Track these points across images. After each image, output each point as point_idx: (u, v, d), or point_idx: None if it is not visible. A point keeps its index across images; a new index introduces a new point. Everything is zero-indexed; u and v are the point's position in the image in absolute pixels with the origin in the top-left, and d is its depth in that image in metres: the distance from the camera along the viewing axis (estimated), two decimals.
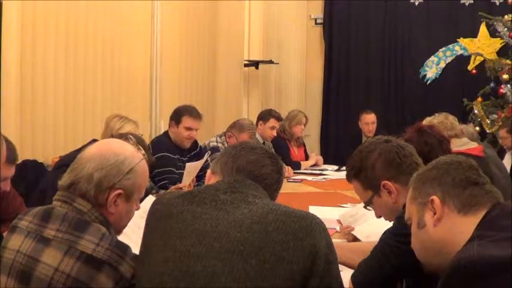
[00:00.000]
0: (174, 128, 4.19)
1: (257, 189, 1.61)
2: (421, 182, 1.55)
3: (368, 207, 2.10)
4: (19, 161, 3.39)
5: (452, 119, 3.61)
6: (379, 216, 2.10)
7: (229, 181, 1.62)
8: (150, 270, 1.48)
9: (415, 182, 1.57)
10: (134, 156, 1.67)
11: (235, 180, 1.62)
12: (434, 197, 1.48)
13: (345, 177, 2.19)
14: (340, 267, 2.20)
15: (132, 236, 2.04)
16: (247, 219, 1.47)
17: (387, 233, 1.95)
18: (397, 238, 1.86)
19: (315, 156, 5.83)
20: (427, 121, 3.55)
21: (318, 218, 1.53)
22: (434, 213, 1.48)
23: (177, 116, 4.19)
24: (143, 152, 1.73)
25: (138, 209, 1.72)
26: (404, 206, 1.68)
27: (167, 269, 1.45)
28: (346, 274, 2.06)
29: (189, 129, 4.16)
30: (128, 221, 1.72)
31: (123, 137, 2.48)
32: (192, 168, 3.72)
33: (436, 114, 3.68)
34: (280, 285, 1.40)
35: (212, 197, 1.55)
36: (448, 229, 1.45)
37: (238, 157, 1.69)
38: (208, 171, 1.77)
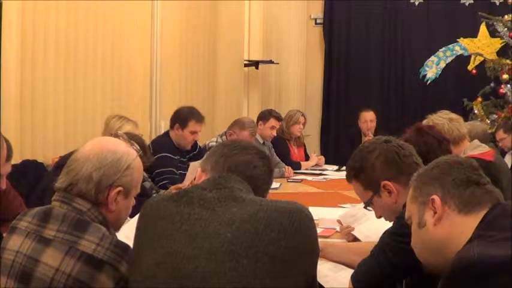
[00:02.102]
0: (179, 131, 4.20)
1: (241, 184, 1.59)
2: (422, 182, 1.55)
3: (368, 207, 2.10)
4: (19, 160, 3.42)
5: (455, 125, 3.33)
6: (379, 217, 2.10)
7: (214, 178, 1.60)
8: (141, 273, 1.47)
9: (416, 181, 1.57)
10: (130, 153, 1.68)
11: (220, 177, 1.60)
12: (434, 197, 1.48)
13: (345, 177, 2.19)
14: (340, 267, 2.21)
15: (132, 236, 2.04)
16: (237, 218, 1.45)
17: (387, 233, 1.95)
18: (397, 238, 1.86)
19: (316, 157, 5.81)
20: (430, 120, 3.42)
21: (307, 209, 1.54)
22: (435, 213, 1.48)
23: (182, 120, 4.19)
24: (136, 147, 1.74)
25: (133, 204, 1.73)
26: (404, 206, 1.68)
27: (158, 271, 1.44)
28: (346, 274, 2.07)
29: (194, 133, 4.18)
30: (126, 217, 1.72)
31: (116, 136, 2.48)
32: (195, 167, 3.72)
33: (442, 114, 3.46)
34: (271, 284, 1.40)
35: (199, 196, 1.53)
36: (448, 229, 1.45)
37: (230, 156, 1.67)
38: (199, 169, 1.74)
